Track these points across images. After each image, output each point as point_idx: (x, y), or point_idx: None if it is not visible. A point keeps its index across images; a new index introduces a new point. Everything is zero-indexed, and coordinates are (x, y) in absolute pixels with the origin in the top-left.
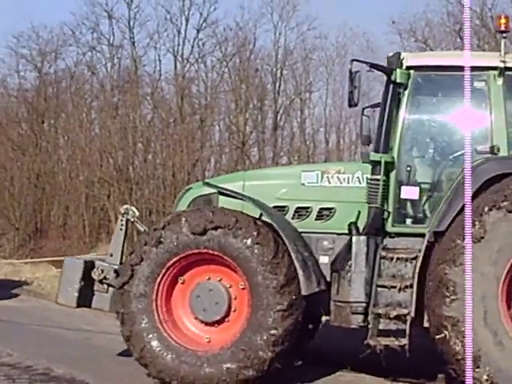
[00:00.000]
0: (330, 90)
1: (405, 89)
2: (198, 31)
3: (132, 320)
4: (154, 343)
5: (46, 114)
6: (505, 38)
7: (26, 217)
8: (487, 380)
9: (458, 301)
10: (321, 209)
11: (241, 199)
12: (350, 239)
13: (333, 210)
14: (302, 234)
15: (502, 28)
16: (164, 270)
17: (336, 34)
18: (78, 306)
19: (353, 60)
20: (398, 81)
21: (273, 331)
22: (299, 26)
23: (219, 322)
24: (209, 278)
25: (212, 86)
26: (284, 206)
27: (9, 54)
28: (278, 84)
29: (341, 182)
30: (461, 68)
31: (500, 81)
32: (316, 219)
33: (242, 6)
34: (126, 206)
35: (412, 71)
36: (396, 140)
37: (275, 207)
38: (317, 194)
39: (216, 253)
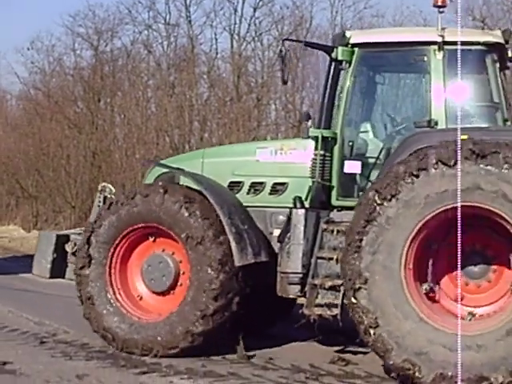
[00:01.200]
0: None
1: (349, 65)
2: (255, 9)
3: (86, 282)
4: (102, 305)
5: (103, 92)
6: (441, 12)
7: (82, 195)
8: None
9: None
10: (274, 184)
11: (183, 175)
12: (290, 212)
13: (285, 185)
14: (257, 209)
15: (439, 3)
16: (119, 239)
17: (393, 12)
18: (52, 276)
19: (284, 39)
20: (340, 58)
21: (206, 305)
22: (356, 4)
23: (165, 293)
24: (163, 250)
25: (268, 65)
26: (240, 182)
27: (65, 32)
28: None
29: (293, 158)
30: (402, 44)
31: (440, 55)
32: (270, 194)
33: None
34: (103, 184)
35: (356, 48)
36: (339, 116)
37: (232, 183)
38: (270, 170)
39: (162, 227)
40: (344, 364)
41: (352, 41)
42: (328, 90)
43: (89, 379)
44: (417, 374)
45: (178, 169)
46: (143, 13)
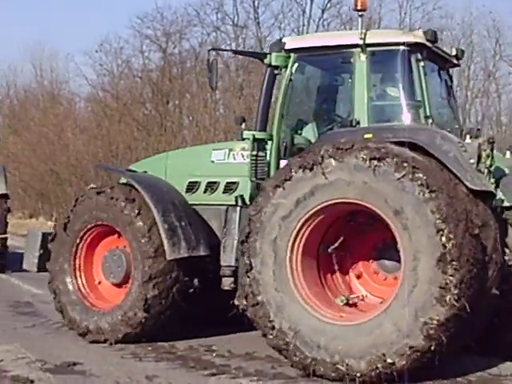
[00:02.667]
0: (455, 69)
1: (285, 70)
2: (323, 11)
3: (55, 276)
4: (66, 296)
5: (171, 94)
6: (361, 16)
7: None
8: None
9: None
10: (227, 183)
11: (124, 176)
12: (227, 210)
13: (236, 184)
14: (213, 207)
15: (359, 7)
16: (81, 236)
17: (462, 13)
18: (39, 270)
19: (210, 49)
20: (274, 63)
21: (144, 296)
22: (424, 5)
23: (121, 285)
24: (117, 246)
25: None
26: (197, 182)
27: (133, 34)
28: None
29: (244, 159)
30: (330, 48)
31: (363, 57)
32: (223, 193)
33: None
34: (91, 186)
35: (292, 54)
36: (275, 118)
37: (190, 183)
38: (223, 170)
39: (110, 224)
40: None
41: (287, 46)
42: (263, 94)
43: (158, 380)
44: (293, 357)
45: (121, 171)
46: (211, 15)
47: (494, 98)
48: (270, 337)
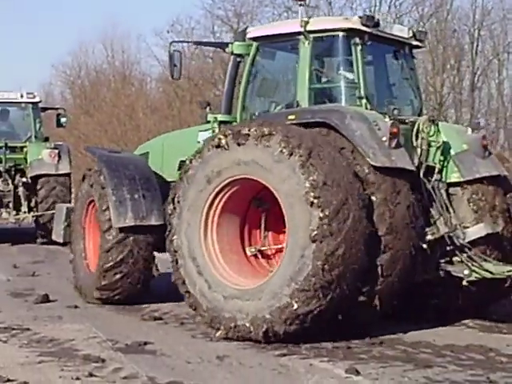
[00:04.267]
0: None
1: (247, 58)
2: None
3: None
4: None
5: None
6: (301, 5)
7: None
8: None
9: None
10: None
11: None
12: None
13: None
14: None
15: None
16: (85, 210)
17: None
18: (65, 241)
19: (172, 42)
20: (236, 52)
21: (104, 262)
22: None
23: None
24: None
25: None
26: (185, 161)
27: (204, 15)
28: (475, 45)
29: None
30: (282, 35)
31: (306, 43)
32: None
33: None
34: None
35: (253, 42)
36: (238, 102)
37: (181, 161)
38: None
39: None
40: None
41: (248, 35)
42: (228, 80)
43: (229, 360)
44: (200, 315)
45: (93, 152)
46: None
47: None
48: (186, 297)
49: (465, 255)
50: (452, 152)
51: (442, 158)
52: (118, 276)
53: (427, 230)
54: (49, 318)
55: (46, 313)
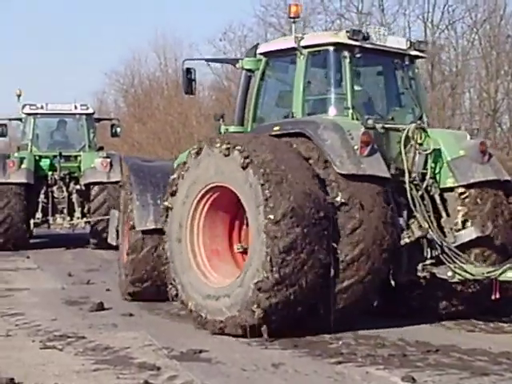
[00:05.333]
0: None
1: (257, 72)
2: None
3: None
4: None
5: None
6: (294, 22)
7: None
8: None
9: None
10: None
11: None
12: None
13: None
14: None
15: (292, 15)
16: (124, 214)
17: None
18: (117, 244)
19: (185, 60)
20: (246, 67)
21: (129, 256)
22: None
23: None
24: None
25: (462, 53)
26: None
27: (257, 22)
28: None
29: None
30: (284, 51)
31: (301, 57)
32: None
33: None
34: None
35: (263, 57)
36: (248, 114)
37: None
38: None
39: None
40: None
41: (258, 51)
42: (240, 94)
43: (284, 368)
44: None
45: (126, 160)
46: (335, 2)
47: None
48: (171, 290)
49: (447, 257)
50: (448, 158)
51: (433, 165)
52: (136, 274)
53: (404, 233)
54: (104, 326)
55: (100, 321)
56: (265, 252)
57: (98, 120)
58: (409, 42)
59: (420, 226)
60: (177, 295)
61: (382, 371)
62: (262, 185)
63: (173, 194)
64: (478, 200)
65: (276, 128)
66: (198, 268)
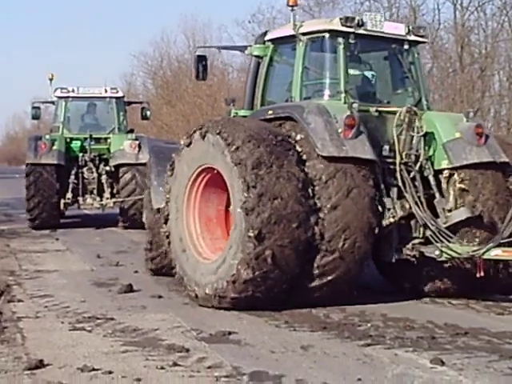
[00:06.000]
0: None
1: (265, 58)
2: None
3: None
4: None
5: None
6: (293, 10)
7: None
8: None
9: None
10: None
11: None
12: None
13: None
14: None
15: (291, 3)
16: None
17: None
18: None
19: (198, 47)
20: (255, 54)
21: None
22: None
23: None
24: None
25: (492, 35)
26: None
27: (284, 6)
28: None
29: None
30: (287, 38)
31: (300, 44)
32: None
33: None
34: None
35: (270, 44)
36: (257, 98)
37: None
38: None
39: None
40: None
41: (266, 38)
42: (249, 79)
43: (313, 350)
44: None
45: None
46: None
47: None
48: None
49: (435, 237)
50: (444, 140)
51: (428, 147)
52: (162, 249)
53: (389, 212)
54: (132, 308)
55: (129, 302)
56: (243, 227)
57: (129, 103)
58: (407, 28)
59: (402, 206)
60: (176, 270)
61: (410, 353)
62: (238, 164)
63: (171, 175)
64: (471, 181)
65: (270, 112)
66: (193, 245)
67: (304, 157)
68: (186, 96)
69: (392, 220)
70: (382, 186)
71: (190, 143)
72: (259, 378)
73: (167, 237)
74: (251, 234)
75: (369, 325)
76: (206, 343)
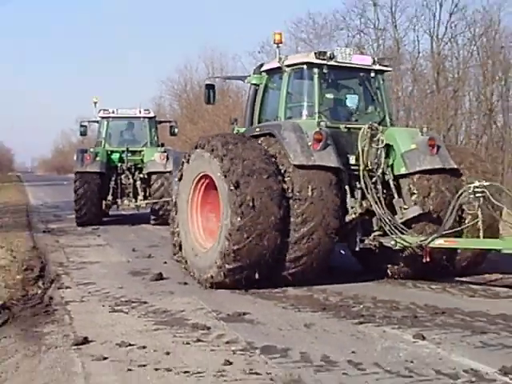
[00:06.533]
0: None
1: (260, 86)
2: (451, 15)
3: None
4: None
5: None
6: (278, 47)
7: None
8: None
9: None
10: None
11: None
12: None
13: None
14: None
15: (276, 41)
16: None
17: None
18: None
19: (207, 78)
20: (253, 82)
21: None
22: None
23: None
24: None
25: (463, 62)
26: None
27: (289, 37)
28: None
29: None
30: (277, 69)
31: (285, 74)
32: None
33: None
34: None
35: (264, 74)
36: (254, 118)
37: None
38: None
39: None
40: None
41: (262, 69)
42: (249, 103)
43: (315, 328)
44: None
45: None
46: (355, 19)
47: None
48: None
49: (390, 229)
50: (402, 150)
51: (388, 156)
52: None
53: (351, 210)
54: (162, 293)
55: (160, 288)
56: (228, 223)
57: (160, 122)
58: (372, 59)
59: (361, 205)
60: (182, 259)
61: (396, 330)
62: (225, 169)
63: (180, 178)
64: (424, 184)
65: (257, 129)
66: (194, 236)
67: (280, 167)
68: (206, 115)
69: (354, 216)
70: (348, 189)
71: (191, 154)
72: (269, 351)
73: (177, 226)
74: (232, 188)
75: (361, 306)
76: (224, 322)
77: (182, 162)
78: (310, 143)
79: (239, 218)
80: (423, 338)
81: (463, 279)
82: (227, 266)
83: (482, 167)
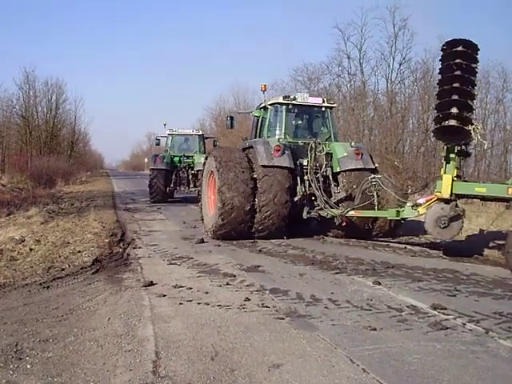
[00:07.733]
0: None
1: (261, 117)
2: (400, 64)
3: None
4: None
5: None
6: (264, 93)
7: None
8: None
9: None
10: None
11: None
12: None
13: None
14: None
15: (263, 89)
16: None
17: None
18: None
19: (229, 113)
20: (255, 115)
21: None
22: None
23: None
24: None
25: (408, 97)
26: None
27: (291, 80)
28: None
29: None
30: (269, 105)
31: (268, 110)
32: None
33: (426, 50)
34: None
35: (262, 109)
36: (256, 137)
37: None
38: None
39: None
40: None
41: (260, 106)
42: (253, 130)
43: (306, 276)
44: (205, 228)
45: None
46: (335, 67)
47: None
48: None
49: (325, 205)
50: (338, 156)
51: (329, 161)
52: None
53: (299, 194)
54: (203, 252)
55: (201, 249)
56: (219, 203)
57: (206, 138)
58: (322, 99)
59: (305, 190)
60: (202, 220)
61: (361, 278)
62: (217, 167)
63: (202, 174)
64: (350, 178)
65: (247, 144)
66: (205, 207)
67: (253, 166)
68: (233, 132)
69: (299, 197)
70: (299, 180)
71: (207, 158)
72: (275, 292)
73: (200, 203)
74: (219, 175)
75: (337, 262)
76: (245, 272)
77: (203, 163)
78: (272, 152)
79: (224, 196)
80: (379, 284)
81: (406, 244)
82: (218, 225)
83: (392, 166)
